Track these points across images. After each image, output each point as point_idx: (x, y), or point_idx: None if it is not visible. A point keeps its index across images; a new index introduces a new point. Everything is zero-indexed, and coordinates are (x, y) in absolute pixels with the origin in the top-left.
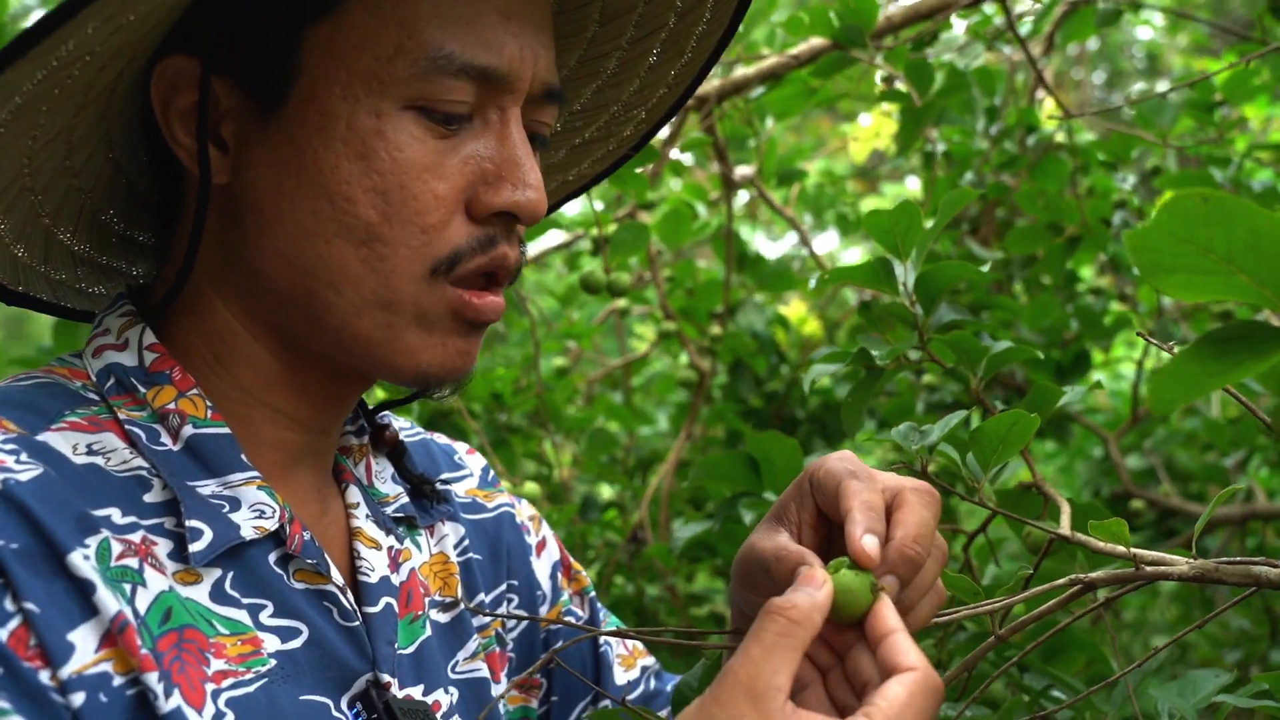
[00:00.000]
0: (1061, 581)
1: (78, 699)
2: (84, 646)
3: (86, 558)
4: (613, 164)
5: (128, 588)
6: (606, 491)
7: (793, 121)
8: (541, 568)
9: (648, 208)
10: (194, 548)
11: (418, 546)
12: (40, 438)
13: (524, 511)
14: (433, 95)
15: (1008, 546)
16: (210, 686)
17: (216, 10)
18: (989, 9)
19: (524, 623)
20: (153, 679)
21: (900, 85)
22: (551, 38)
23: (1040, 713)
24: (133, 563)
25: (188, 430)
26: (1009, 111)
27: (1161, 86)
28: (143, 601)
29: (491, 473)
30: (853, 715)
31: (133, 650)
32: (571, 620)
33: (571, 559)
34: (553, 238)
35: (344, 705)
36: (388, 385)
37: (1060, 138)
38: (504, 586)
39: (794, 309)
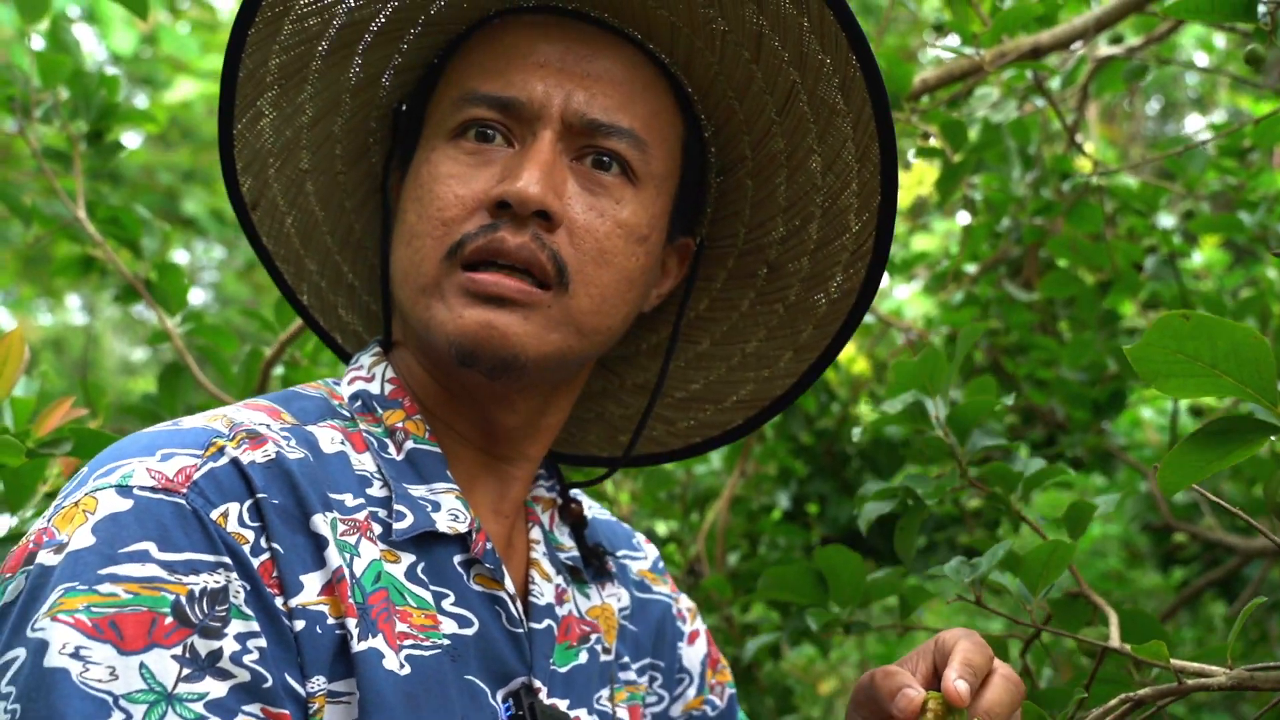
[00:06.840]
0: (1114, 702)
1: (299, 625)
2: (310, 587)
3: (325, 521)
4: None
5: (348, 556)
6: (662, 527)
7: None
8: (692, 655)
9: None
10: (398, 526)
11: (586, 596)
12: (307, 428)
13: (684, 603)
14: (461, 119)
15: (1064, 645)
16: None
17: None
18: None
19: (661, 703)
20: (352, 624)
21: (935, 141)
22: (609, 88)
23: None
24: (352, 539)
25: (409, 445)
26: (1047, 157)
27: (1216, 118)
28: (359, 567)
29: (661, 563)
30: None
31: (343, 598)
32: (709, 710)
33: (719, 654)
34: None
35: (498, 698)
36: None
37: (1097, 181)
38: (647, 661)
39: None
